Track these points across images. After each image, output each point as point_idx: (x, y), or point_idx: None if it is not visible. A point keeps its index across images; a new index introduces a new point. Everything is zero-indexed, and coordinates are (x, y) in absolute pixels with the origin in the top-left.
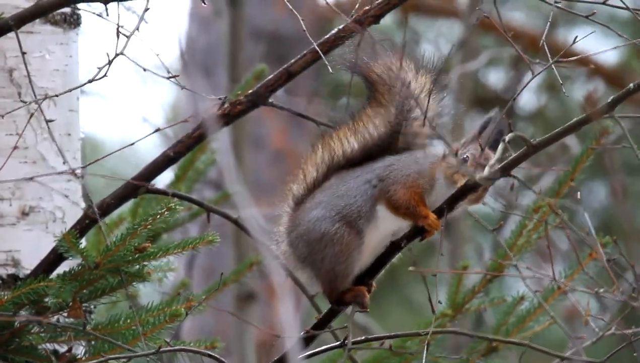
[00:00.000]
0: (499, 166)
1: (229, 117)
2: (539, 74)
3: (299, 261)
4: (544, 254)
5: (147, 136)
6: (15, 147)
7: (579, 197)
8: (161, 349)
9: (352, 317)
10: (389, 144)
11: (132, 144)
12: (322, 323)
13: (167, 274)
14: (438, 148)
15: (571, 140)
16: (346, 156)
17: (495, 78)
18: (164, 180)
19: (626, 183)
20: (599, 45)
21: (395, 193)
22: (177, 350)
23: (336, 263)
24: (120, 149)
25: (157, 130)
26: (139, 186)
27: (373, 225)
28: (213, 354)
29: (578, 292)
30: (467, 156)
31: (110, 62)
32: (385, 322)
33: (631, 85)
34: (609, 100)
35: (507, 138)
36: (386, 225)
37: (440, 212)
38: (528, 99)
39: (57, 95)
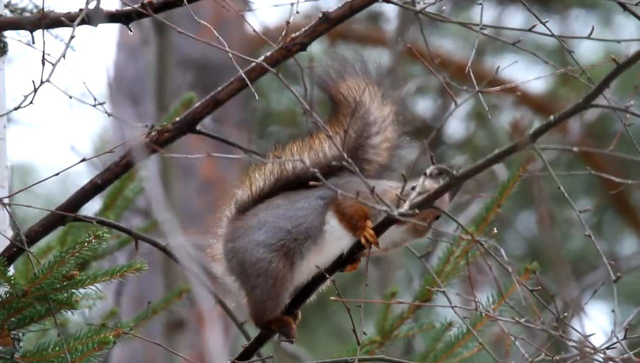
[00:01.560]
0: (420, 198)
1: (157, 144)
2: (464, 102)
3: (230, 272)
4: (473, 280)
5: (73, 166)
6: None
7: (495, 231)
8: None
9: (279, 346)
10: (340, 168)
11: (57, 174)
12: (251, 351)
13: (96, 302)
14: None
15: (498, 167)
16: (296, 172)
17: (423, 106)
18: (93, 208)
19: (553, 211)
20: (526, 73)
21: (344, 201)
22: None
23: (267, 298)
24: (45, 179)
25: (83, 160)
26: (66, 214)
27: (319, 246)
28: None
29: (507, 318)
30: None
31: (36, 90)
32: (315, 351)
33: (552, 117)
34: (531, 132)
35: (428, 170)
36: (330, 247)
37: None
38: (457, 127)
39: None
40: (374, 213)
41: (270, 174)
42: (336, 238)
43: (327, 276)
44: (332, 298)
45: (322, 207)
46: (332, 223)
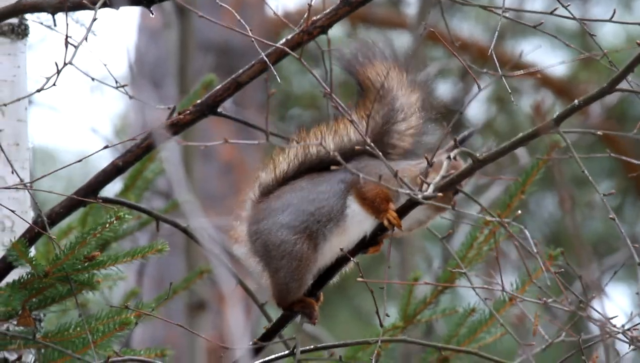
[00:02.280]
0: (444, 181)
1: (178, 126)
2: (486, 87)
3: (253, 254)
4: (495, 266)
5: (96, 152)
6: None
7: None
8: (110, 359)
9: (300, 327)
10: (362, 152)
11: (80, 161)
12: (272, 332)
13: (117, 283)
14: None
15: (520, 150)
16: (320, 156)
17: (444, 89)
18: (113, 189)
19: (574, 194)
20: (547, 57)
21: (365, 185)
22: (126, 359)
23: (290, 279)
24: (67, 166)
25: (106, 146)
26: (87, 194)
27: (341, 229)
28: (161, 351)
29: (528, 302)
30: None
31: (58, 72)
32: (336, 332)
33: (576, 101)
34: (555, 116)
35: (452, 154)
36: (353, 229)
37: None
38: (477, 110)
39: (4, 105)
40: (395, 195)
41: (294, 158)
42: (358, 222)
43: (350, 258)
44: (358, 279)
45: (343, 191)
46: (354, 207)
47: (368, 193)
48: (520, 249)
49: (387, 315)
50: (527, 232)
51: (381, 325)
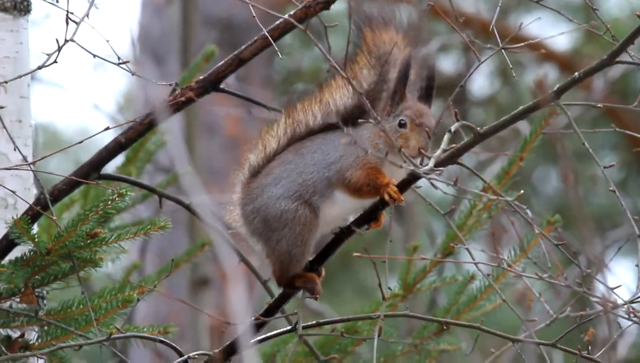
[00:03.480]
0: (445, 155)
1: (180, 103)
2: (487, 59)
3: (252, 235)
4: (496, 235)
5: (97, 134)
6: None
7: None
8: (112, 336)
9: (303, 303)
10: (351, 117)
11: (81, 142)
12: (274, 308)
13: (120, 257)
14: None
15: (522, 125)
16: (308, 127)
17: (448, 64)
18: (115, 161)
19: (577, 168)
20: (552, 31)
21: (352, 176)
22: (128, 336)
23: (293, 245)
24: (70, 146)
25: (107, 128)
26: (90, 172)
27: (329, 203)
28: (164, 340)
29: (531, 274)
30: (403, 121)
31: (59, 49)
32: (340, 307)
33: (576, 74)
34: (555, 88)
35: (453, 127)
36: (345, 204)
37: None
38: (481, 84)
39: (7, 82)
40: (379, 162)
41: (283, 135)
42: (351, 202)
43: (354, 229)
44: (355, 254)
45: (326, 179)
46: (343, 197)
47: (359, 182)
48: (518, 224)
49: (390, 289)
50: (524, 208)
51: (384, 299)
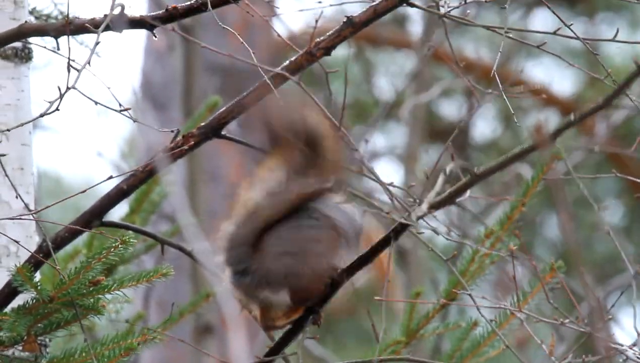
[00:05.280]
0: (440, 197)
1: (182, 150)
2: (486, 102)
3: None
4: (499, 282)
5: (101, 183)
6: None
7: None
8: None
9: (303, 345)
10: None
11: (85, 191)
12: (275, 351)
13: (123, 306)
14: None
15: (525, 170)
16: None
17: (449, 109)
18: (120, 212)
19: (578, 215)
20: (555, 76)
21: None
22: None
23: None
24: (73, 195)
25: (110, 177)
26: (92, 219)
27: None
28: None
29: (532, 321)
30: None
31: (61, 96)
32: (343, 354)
33: (571, 116)
34: (552, 131)
35: (448, 168)
36: None
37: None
38: (483, 130)
39: (8, 130)
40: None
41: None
42: None
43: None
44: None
45: None
46: None
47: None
48: (522, 270)
49: (385, 333)
50: (518, 251)
51: (377, 340)
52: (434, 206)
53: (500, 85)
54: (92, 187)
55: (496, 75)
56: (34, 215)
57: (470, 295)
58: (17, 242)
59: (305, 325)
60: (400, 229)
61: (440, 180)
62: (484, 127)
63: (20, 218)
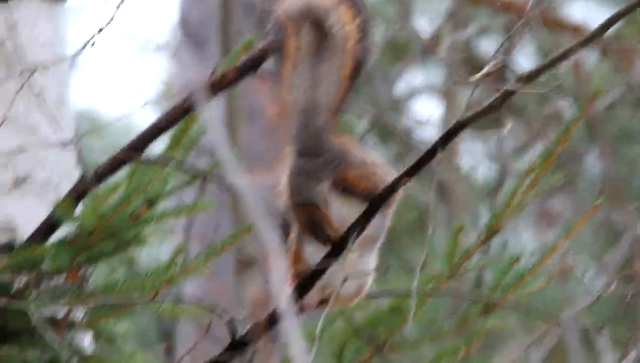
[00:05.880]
0: (491, 100)
1: (220, 86)
2: (523, 34)
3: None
4: (541, 216)
5: (137, 111)
6: (7, 118)
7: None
8: (157, 299)
9: (345, 258)
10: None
11: (123, 119)
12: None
13: (165, 241)
14: None
15: (565, 107)
16: None
17: (488, 47)
18: (158, 148)
19: (620, 149)
20: (595, 13)
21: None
22: (173, 301)
23: None
24: (113, 123)
25: (146, 104)
26: (132, 154)
27: None
28: (210, 307)
29: (575, 253)
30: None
31: (98, 33)
32: (385, 286)
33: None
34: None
35: (492, 64)
36: None
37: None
38: (523, 67)
39: (47, 67)
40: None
41: None
42: None
43: None
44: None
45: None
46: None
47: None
48: (566, 204)
49: (424, 266)
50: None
51: (421, 270)
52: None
53: (538, 22)
54: (130, 116)
55: (533, 11)
56: (74, 148)
57: (512, 230)
58: (58, 175)
59: (348, 244)
60: (447, 136)
61: (485, 69)
62: (523, 63)
63: (61, 150)
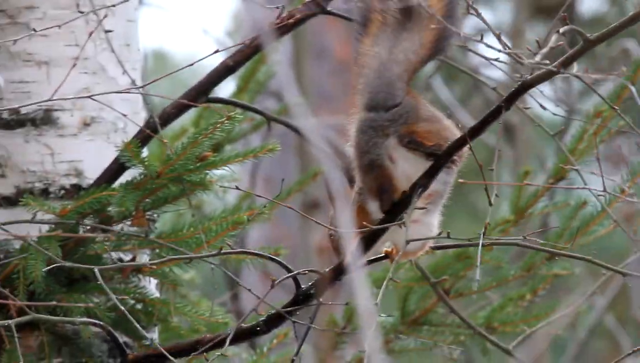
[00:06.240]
0: (559, 62)
1: (287, 26)
2: None
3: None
4: (608, 159)
5: (208, 56)
6: (76, 58)
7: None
8: (222, 251)
9: (410, 215)
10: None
11: (192, 65)
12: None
13: (231, 185)
14: None
15: (632, 45)
16: None
17: None
18: (225, 91)
19: None
20: None
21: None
22: (238, 252)
23: None
24: (180, 69)
25: (216, 51)
26: (198, 95)
27: None
28: (273, 257)
29: None
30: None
31: None
32: (451, 230)
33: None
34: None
35: (562, 30)
36: None
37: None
38: (590, 4)
39: (114, 5)
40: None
41: None
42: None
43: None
44: (461, 181)
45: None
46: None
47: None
48: (632, 147)
49: (490, 204)
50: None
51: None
52: (548, 74)
53: None
54: (199, 61)
55: None
56: (141, 90)
57: (579, 172)
58: (125, 116)
59: (414, 197)
60: (511, 97)
61: (554, 38)
62: (591, 2)
63: (127, 92)
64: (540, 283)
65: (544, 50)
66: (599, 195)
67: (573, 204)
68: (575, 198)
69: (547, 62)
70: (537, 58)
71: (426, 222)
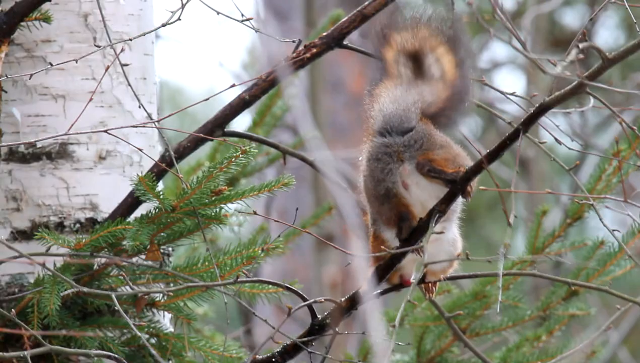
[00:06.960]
0: (578, 81)
1: (303, 60)
2: (602, 6)
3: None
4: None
5: (225, 91)
6: (92, 92)
7: None
8: (238, 279)
9: (428, 239)
10: None
11: (207, 99)
12: (393, 264)
13: (246, 219)
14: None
15: None
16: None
17: (572, 18)
18: (241, 125)
19: None
20: None
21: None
22: (255, 281)
23: None
24: (196, 103)
25: (233, 85)
26: (214, 129)
27: None
28: (290, 287)
29: None
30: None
31: (183, 6)
32: (464, 265)
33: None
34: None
35: (582, 45)
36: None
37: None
38: (606, 39)
39: (131, 40)
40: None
41: None
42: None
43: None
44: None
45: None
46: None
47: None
48: None
49: (507, 245)
50: None
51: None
52: (566, 95)
53: None
54: (215, 95)
55: None
56: (156, 124)
57: (596, 210)
58: (140, 150)
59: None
60: (529, 120)
61: (574, 53)
62: (607, 36)
63: (143, 126)
64: (557, 324)
65: (565, 62)
66: (613, 231)
67: (590, 244)
68: (593, 237)
69: (569, 73)
70: (559, 69)
71: (447, 239)
